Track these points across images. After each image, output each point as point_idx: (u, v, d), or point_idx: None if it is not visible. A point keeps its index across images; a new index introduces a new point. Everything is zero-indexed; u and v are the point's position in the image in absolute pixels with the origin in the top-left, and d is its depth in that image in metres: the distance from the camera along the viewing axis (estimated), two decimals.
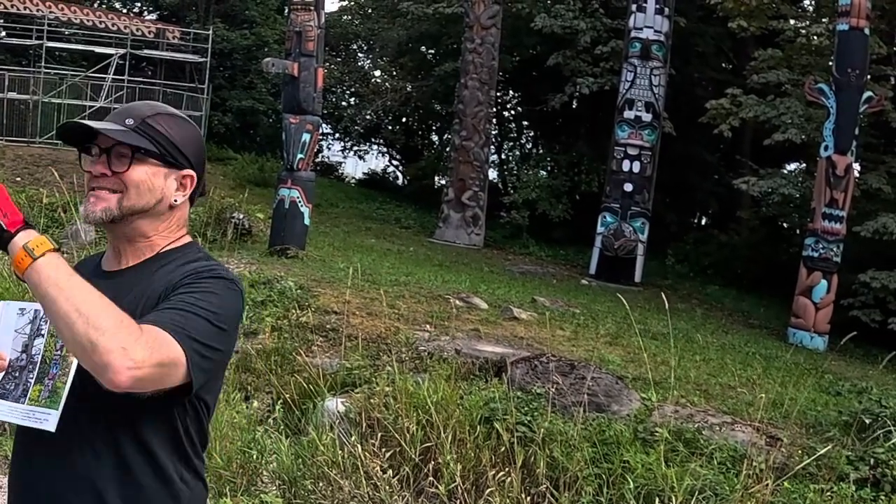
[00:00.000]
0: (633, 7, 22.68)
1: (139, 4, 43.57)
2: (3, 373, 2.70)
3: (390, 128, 40.48)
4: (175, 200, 2.87)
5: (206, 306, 2.61)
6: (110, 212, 2.76)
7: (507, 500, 6.76)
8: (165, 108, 2.90)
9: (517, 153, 38.20)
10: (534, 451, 7.28)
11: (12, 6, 34.91)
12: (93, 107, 33.08)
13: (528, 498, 6.78)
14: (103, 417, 2.66)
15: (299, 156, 17.62)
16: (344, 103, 41.24)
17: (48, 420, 2.59)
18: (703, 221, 35.27)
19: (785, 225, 25.79)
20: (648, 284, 21.49)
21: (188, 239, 2.95)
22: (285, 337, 10.58)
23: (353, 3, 42.32)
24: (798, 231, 22.12)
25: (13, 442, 2.93)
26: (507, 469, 7.05)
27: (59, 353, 2.65)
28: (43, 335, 2.68)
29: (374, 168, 42.49)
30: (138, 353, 2.34)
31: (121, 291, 2.68)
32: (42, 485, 2.74)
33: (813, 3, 27.38)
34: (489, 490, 6.84)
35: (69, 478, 2.70)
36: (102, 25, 36.52)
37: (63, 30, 37.32)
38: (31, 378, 2.66)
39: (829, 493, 7.00)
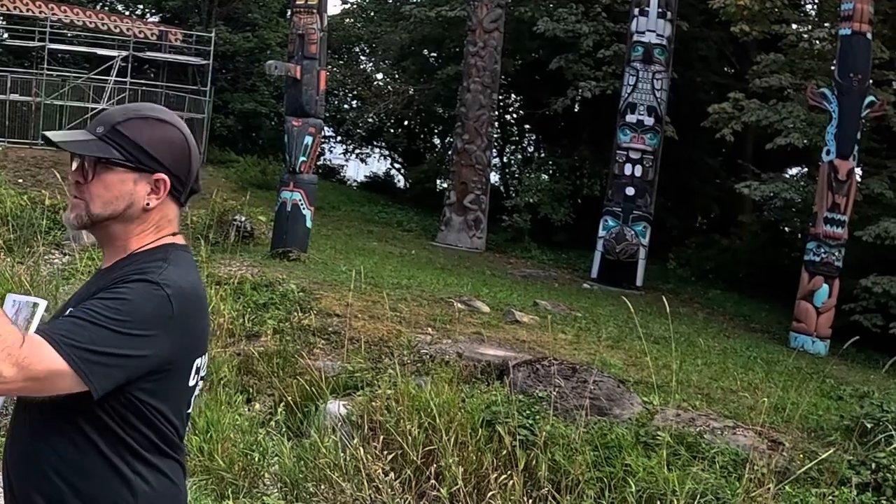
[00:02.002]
0: (636, 11, 22.68)
1: (142, 7, 43.54)
2: None
3: (392, 131, 40.47)
4: (147, 204, 2.89)
5: (107, 314, 2.65)
6: (81, 218, 2.88)
7: None
8: (141, 112, 2.93)
9: (519, 157, 38.17)
10: (535, 455, 7.28)
11: (15, 8, 34.91)
12: (95, 108, 33.12)
13: (530, 501, 6.79)
14: (48, 408, 2.75)
15: (301, 158, 17.64)
16: (346, 106, 41.21)
17: None
18: (705, 225, 35.22)
19: (787, 229, 25.79)
20: (650, 288, 21.49)
21: (167, 241, 2.97)
22: (287, 339, 10.59)
23: (355, 6, 42.31)
24: (800, 235, 22.12)
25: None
26: (508, 472, 7.06)
27: None
28: (18, 325, 2.66)
29: (376, 171, 42.43)
30: (5, 370, 2.48)
31: (83, 289, 2.93)
32: (9, 471, 2.87)
33: (815, 7, 27.40)
34: (491, 493, 6.85)
35: (26, 463, 2.81)
36: (105, 28, 36.52)
37: (65, 32, 37.31)
38: None
39: (830, 498, 7.00)
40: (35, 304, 2.76)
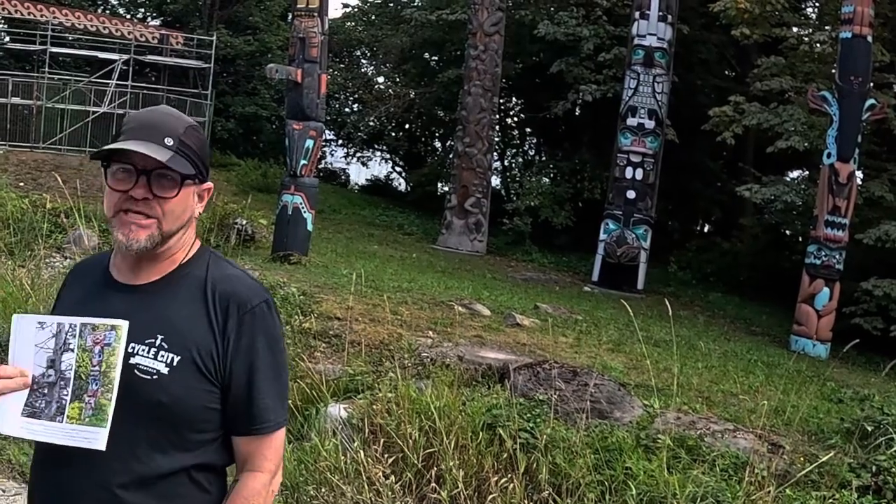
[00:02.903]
0: (637, 14, 22.70)
1: (143, 10, 43.64)
2: (28, 389, 2.61)
3: (393, 134, 40.55)
4: (197, 213, 2.93)
5: (281, 360, 2.96)
6: (154, 239, 2.77)
7: None
8: (187, 119, 2.89)
9: (520, 160, 38.21)
10: (536, 458, 7.28)
11: (16, 11, 34.98)
12: (96, 112, 33.16)
13: None
14: (145, 430, 2.73)
15: (302, 162, 17.64)
16: (347, 109, 41.32)
17: (97, 439, 2.54)
18: (706, 229, 35.28)
19: (787, 232, 25.77)
20: (651, 291, 21.50)
21: (198, 244, 2.98)
22: (288, 343, 10.58)
23: (356, 10, 42.36)
24: (800, 238, 22.11)
25: (35, 448, 2.90)
26: (509, 475, 7.06)
27: (96, 368, 2.57)
28: (72, 350, 2.59)
29: (377, 174, 42.53)
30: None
31: (140, 307, 2.77)
32: (76, 486, 2.76)
33: (816, 10, 27.40)
34: (492, 496, 6.85)
35: (105, 483, 2.73)
36: (106, 31, 36.60)
37: (67, 35, 37.39)
38: (66, 395, 2.58)
39: (831, 501, 6.99)
40: (116, 328, 2.59)
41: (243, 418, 2.85)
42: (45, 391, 2.59)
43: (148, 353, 2.70)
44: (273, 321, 2.88)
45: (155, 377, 2.69)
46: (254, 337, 2.82)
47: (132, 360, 2.66)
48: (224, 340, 2.79)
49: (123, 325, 2.59)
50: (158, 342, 2.72)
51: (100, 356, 2.57)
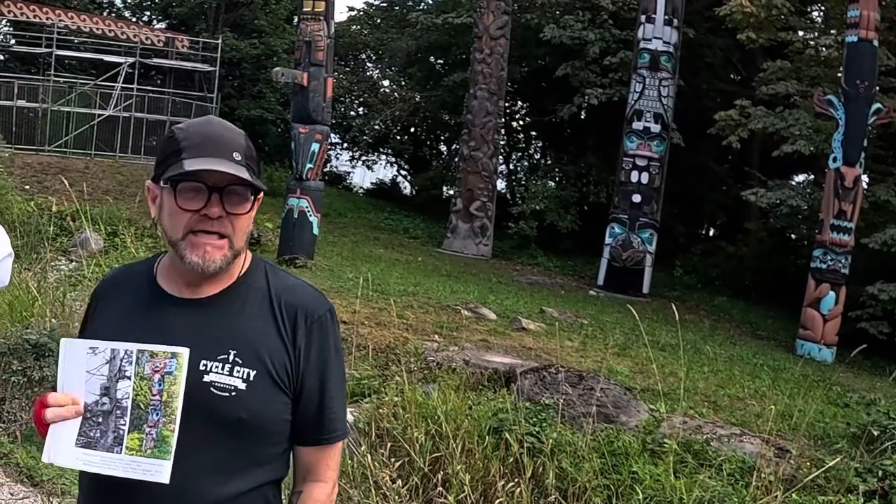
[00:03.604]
0: (642, 18, 22.69)
1: (148, 13, 43.67)
2: (80, 418, 2.50)
3: (399, 138, 40.51)
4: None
5: (342, 370, 2.95)
6: (228, 258, 2.71)
7: None
8: (240, 131, 2.80)
9: (525, 164, 38.18)
10: (543, 462, 7.28)
11: (22, 14, 35.00)
12: (102, 115, 33.19)
13: None
14: (221, 450, 2.68)
15: (308, 165, 17.67)
16: (353, 113, 41.29)
17: (160, 471, 2.44)
18: (711, 233, 35.23)
19: (793, 236, 25.77)
20: (656, 295, 21.49)
21: (250, 254, 2.92)
22: None
23: (362, 14, 42.39)
24: (806, 243, 22.08)
25: (87, 477, 2.69)
26: (516, 480, 7.06)
27: (157, 398, 2.48)
28: (129, 377, 2.48)
29: (382, 178, 42.49)
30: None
31: (206, 323, 2.71)
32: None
33: (822, 14, 27.39)
34: (498, 501, 6.85)
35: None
36: (112, 34, 36.62)
37: (72, 38, 37.40)
38: (123, 425, 2.47)
39: None
40: (177, 355, 2.49)
41: (313, 429, 2.85)
42: (100, 420, 2.49)
43: (222, 369, 2.64)
44: (336, 330, 2.88)
45: (233, 393, 2.63)
46: (322, 346, 2.82)
47: (206, 378, 2.60)
48: (295, 351, 2.76)
49: (184, 352, 2.50)
50: (232, 357, 2.66)
51: (160, 385, 2.47)
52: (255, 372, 2.67)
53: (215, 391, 2.61)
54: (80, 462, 2.47)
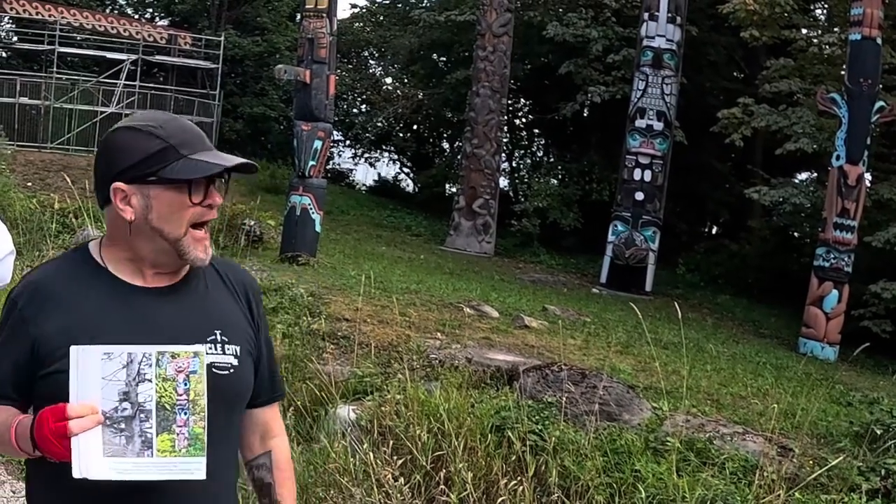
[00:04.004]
0: (645, 16, 22.68)
1: (151, 10, 43.70)
2: (100, 426, 2.43)
3: (401, 135, 40.54)
4: None
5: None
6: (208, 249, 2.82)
7: None
8: None
9: (528, 161, 38.19)
10: (545, 460, 7.27)
11: (24, 11, 35.03)
12: (104, 112, 33.20)
13: None
14: (231, 428, 2.85)
15: (311, 163, 17.65)
16: (355, 110, 41.31)
17: (198, 468, 2.47)
18: (714, 231, 35.21)
19: (796, 235, 25.71)
20: (659, 294, 21.48)
21: None
22: (297, 344, 10.57)
23: (364, 11, 42.38)
24: (809, 241, 22.04)
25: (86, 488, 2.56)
26: (518, 478, 7.05)
27: (184, 397, 2.47)
28: (149, 380, 2.45)
29: (384, 175, 42.49)
30: None
31: (186, 308, 2.75)
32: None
33: (825, 12, 27.37)
34: (501, 499, 6.84)
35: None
36: (114, 31, 36.65)
37: (75, 35, 37.43)
38: (149, 427, 2.44)
39: None
40: (198, 354, 2.50)
41: (268, 389, 3.03)
42: (122, 426, 2.44)
43: (216, 349, 2.72)
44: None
45: (231, 371, 2.74)
46: (264, 316, 3.02)
47: (206, 361, 2.59)
48: (254, 322, 2.93)
49: (202, 349, 2.53)
50: (219, 337, 2.74)
51: (186, 385, 2.47)
52: (239, 347, 2.77)
53: (217, 371, 2.68)
54: (114, 472, 2.42)
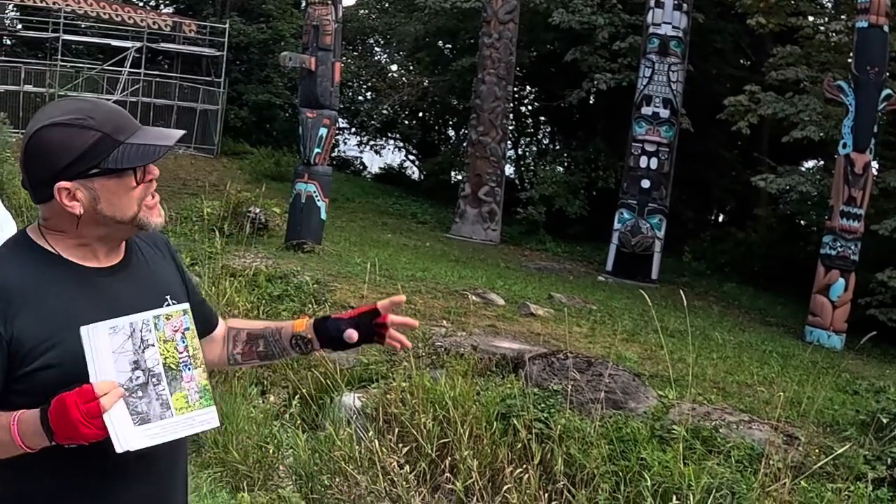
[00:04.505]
0: (652, 3, 22.59)
1: None
2: (122, 400, 2.49)
3: (407, 123, 40.48)
4: None
5: None
6: None
7: (525, 497, 6.76)
8: None
9: (534, 149, 38.11)
10: (551, 448, 7.27)
11: None
12: (109, 100, 33.15)
13: (546, 495, 6.77)
14: None
15: (316, 150, 17.62)
16: (360, 98, 41.22)
17: (213, 417, 2.62)
18: (721, 218, 35.16)
19: (802, 223, 25.65)
20: (665, 281, 21.46)
21: None
22: None
23: None
24: (816, 229, 21.99)
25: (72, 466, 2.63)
26: (524, 466, 7.04)
27: (185, 353, 2.60)
28: (152, 344, 2.55)
29: (390, 163, 42.42)
30: None
31: (137, 281, 2.81)
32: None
33: (832, 0, 27.28)
34: (506, 487, 6.84)
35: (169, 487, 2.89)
36: (119, 19, 36.57)
37: (79, 23, 37.39)
38: (163, 390, 2.54)
39: (846, 493, 6.97)
40: (186, 311, 2.65)
41: (210, 315, 3.22)
42: (140, 394, 2.52)
43: None
44: None
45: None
46: (180, 258, 3.19)
47: None
48: (179, 270, 3.08)
49: (188, 306, 2.69)
50: (170, 301, 2.80)
51: (184, 341, 2.60)
52: (186, 305, 2.75)
53: None
54: (148, 438, 2.51)
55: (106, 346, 2.50)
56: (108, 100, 24.80)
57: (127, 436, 2.46)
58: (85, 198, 2.62)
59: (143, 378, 2.52)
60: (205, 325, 3.08)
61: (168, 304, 2.74)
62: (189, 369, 2.58)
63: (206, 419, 2.59)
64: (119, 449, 2.44)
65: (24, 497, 2.66)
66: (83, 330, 2.49)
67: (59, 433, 2.42)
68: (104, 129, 2.61)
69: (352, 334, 3.13)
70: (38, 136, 2.62)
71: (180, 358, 2.58)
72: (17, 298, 2.59)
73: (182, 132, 2.84)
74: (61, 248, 2.71)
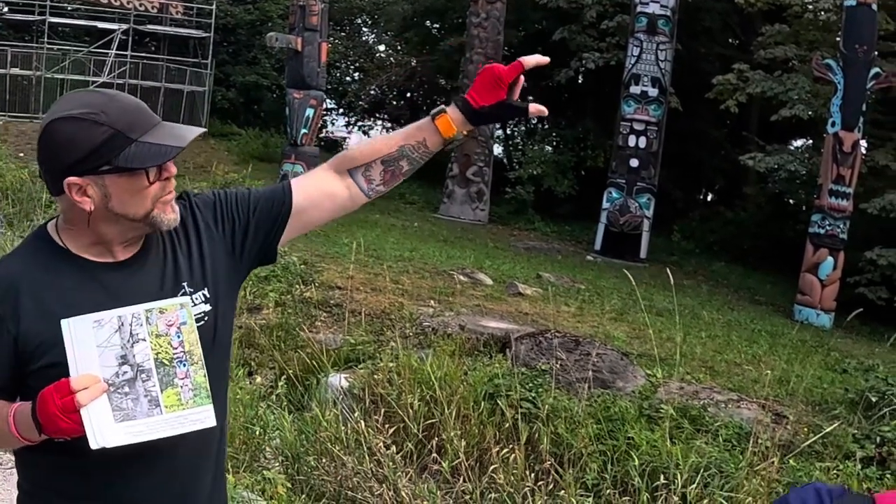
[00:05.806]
0: None
1: None
2: (106, 394, 2.41)
3: (394, 103, 40.41)
4: None
5: None
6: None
7: (511, 477, 6.73)
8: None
9: (522, 128, 38.00)
10: (538, 428, 7.24)
11: None
12: (96, 82, 33.05)
13: (533, 475, 6.74)
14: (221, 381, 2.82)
15: (303, 131, 17.60)
16: (348, 78, 41.15)
17: (208, 417, 2.50)
18: (710, 197, 35.17)
19: (791, 201, 25.70)
20: (654, 261, 21.44)
21: None
22: (289, 312, 10.55)
23: None
24: (804, 208, 22.03)
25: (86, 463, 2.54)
26: (511, 446, 7.02)
27: (180, 350, 2.49)
28: (143, 339, 2.45)
29: None
30: None
31: (152, 273, 2.69)
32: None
33: None
34: (493, 467, 6.81)
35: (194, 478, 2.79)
36: (105, 1, 36.40)
37: (65, 5, 37.19)
38: (153, 386, 2.45)
39: (834, 471, 6.96)
40: (184, 305, 2.52)
41: (286, 190, 2.95)
42: (126, 390, 2.43)
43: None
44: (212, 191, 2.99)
45: (206, 318, 2.70)
46: (233, 197, 2.92)
47: None
48: (233, 222, 2.87)
49: (187, 300, 2.58)
50: (186, 289, 2.71)
51: (179, 337, 2.48)
52: (207, 288, 2.72)
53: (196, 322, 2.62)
54: (129, 436, 2.41)
55: (89, 340, 2.42)
56: (94, 82, 24.76)
57: (104, 432, 2.38)
58: (96, 194, 2.54)
59: (131, 373, 2.44)
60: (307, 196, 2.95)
61: (184, 293, 2.65)
62: (184, 365, 2.48)
63: (198, 418, 2.48)
64: (94, 445, 2.37)
65: (42, 489, 2.68)
66: (63, 323, 2.42)
67: (44, 427, 2.38)
68: (117, 125, 2.51)
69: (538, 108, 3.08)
70: (50, 128, 2.55)
71: (174, 353, 2.48)
72: (25, 296, 2.58)
73: (201, 130, 2.74)
74: (73, 244, 2.65)
